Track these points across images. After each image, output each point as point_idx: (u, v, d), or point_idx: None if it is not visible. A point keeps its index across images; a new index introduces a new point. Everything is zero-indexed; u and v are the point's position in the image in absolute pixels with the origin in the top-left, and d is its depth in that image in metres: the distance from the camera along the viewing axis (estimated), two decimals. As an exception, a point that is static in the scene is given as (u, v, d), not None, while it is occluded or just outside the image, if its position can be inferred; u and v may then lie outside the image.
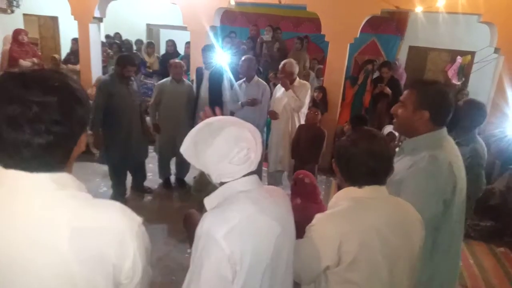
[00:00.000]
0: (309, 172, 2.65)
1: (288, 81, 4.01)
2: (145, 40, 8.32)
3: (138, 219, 0.91)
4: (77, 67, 6.81)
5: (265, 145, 4.51)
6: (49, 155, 0.79)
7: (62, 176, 0.84)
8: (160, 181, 4.62)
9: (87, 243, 0.80)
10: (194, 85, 4.46)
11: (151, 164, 4.73)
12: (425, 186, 1.55)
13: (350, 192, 1.35)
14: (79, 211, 0.82)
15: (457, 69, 6.99)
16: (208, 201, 1.17)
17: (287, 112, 4.14)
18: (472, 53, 7.01)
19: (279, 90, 4.23)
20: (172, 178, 4.68)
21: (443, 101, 1.62)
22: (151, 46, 7.58)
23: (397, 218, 1.32)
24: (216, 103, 4.25)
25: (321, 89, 5.25)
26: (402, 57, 7.77)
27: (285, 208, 1.24)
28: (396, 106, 1.72)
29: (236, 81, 4.39)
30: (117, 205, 0.89)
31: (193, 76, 4.90)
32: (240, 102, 4.21)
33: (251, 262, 1.06)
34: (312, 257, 1.29)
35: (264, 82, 4.42)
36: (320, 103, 5.04)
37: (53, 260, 0.78)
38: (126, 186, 4.19)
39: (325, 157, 4.23)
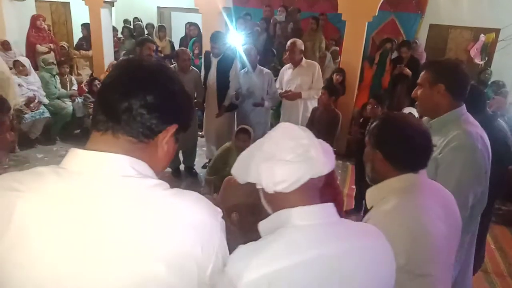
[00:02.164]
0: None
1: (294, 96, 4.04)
2: (156, 24, 8.20)
3: (220, 211, 0.81)
4: (90, 52, 6.78)
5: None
6: (134, 121, 0.76)
7: (140, 163, 0.77)
8: (170, 170, 4.57)
9: (175, 245, 0.71)
10: (203, 71, 4.35)
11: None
12: (471, 161, 1.61)
13: (406, 180, 1.25)
14: (166, 204, 0.73)
15: (480, 48, 6.70)
16: (262, 226, 0.95)
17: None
18: (497, 31, 6.70)
19: (286, 73, 4.18)
20: (181, 167, 4.63)
21: (455, 72, 1.71)
22: (163, 30, 7.46)
23: (446, 199, 1.31)
24: (224, 92, 4.20)
25: (341, 71, 5.09)
26: (422, 36, 7.46)
27: (361, 255, 0.88)
28: (415, 89, 1.79)
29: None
30: (201, 198, 0.80)
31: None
32: (233, 94, 4.16)
33: None
34: None
35: (268, 70, 4.35)
36: (339, 86, 4.89)
37: (139, 266, 0.68)
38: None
39: (340, 141, 4.11)
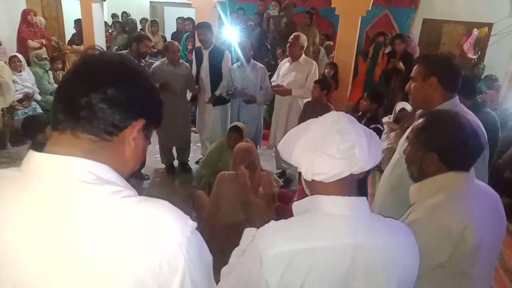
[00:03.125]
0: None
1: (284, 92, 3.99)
2: (149, 19, 8.13)
3: (191, 223, 0.72)
4: (81, 47, 6.70)
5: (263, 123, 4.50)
6: (94, 116, 0.71)
7: (102, 167, 0.72)
8: (164, 166, 4.54)
9: (130, 258, 0.65)
10: (194, 67, 4.31)
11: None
12: None
13: (454, 177, 1.24)
14: (123, 215, 0.67)
15: (473, 42, 6.72)
16: (295, 206, 0.98)
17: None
18: (489, 25, 6.73)
19: (284, 66, 4.15)
20: (175, 163, 4.59)
21: (447, 65, 1.73)
22: (155, 25, 7.40)
23: (492, 198, 1.31)
24: (217, 82, 4.16)
25: (333, 65, 5.07)
26: (415, 30, 7.47)
27: (389, 257, 0.90)
28: (409, 83, 1.82)
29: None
30: (168, 207, 0.72)
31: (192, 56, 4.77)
32: (231, 90, 4.11)
33: None
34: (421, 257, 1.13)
35: (261, 65, 4.32)
36: (331, 80, 4.88)
37: (88, 276, 0.64)
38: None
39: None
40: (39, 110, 5.12)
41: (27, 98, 4.85)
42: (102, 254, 0.64)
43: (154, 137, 4.60)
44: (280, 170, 4.39)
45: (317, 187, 0.93)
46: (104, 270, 0.64)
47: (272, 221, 0.93)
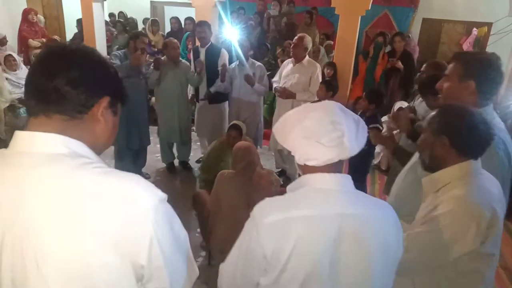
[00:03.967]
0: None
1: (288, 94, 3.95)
2: (149, 18, 8.15)
3: (161, 194, 0.78)
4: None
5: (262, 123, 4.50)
6: (63, 98, 0.79)
7: (76, 143, 0.80)
8: (164, 165, 4.55)
9: (104, 223, 0.71)
10: (192, 66, 4.32)
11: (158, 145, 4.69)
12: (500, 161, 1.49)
13: (467, 166, 1.29)
14: (95, 182, 0.74)
15: (472, 41, 6.74)
16: (289, 186, 1.08)
17: (294, 90, 4.01)
18: (489, 24, 6.74)
19: (287, 67, 4.12)
20: (176, 162, 4.61)
21: (488, 69, 1.53)
22: (156, 24, 7.42)
23: (497, 182, 1.36)
24: (213, 80, 4.15)
25: (332, 65, 5.09)
26: (415, 29, 7.49)
27: (371, 223, 0.99)
28: (441, 81, 1.65)
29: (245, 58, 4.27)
30: (139, 178, 0.79)
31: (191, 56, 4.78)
32: (224, 86, 4.11)
33: (287, 264, 0.96)
34: (450, 245, 1.22)
35: (260, 64, 4.31)
36: (331, 80, 4.89)
37: (68, 238, 0.71)
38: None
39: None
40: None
41: (21, 102, 4.87)
42: (76, 213, 0.71)
43: (155, 137, 4.62)
44: (280, 169, 4.41)
45: (308, 169, 1.03)
46: (74, 225, 0.71)
47: (267, 198, 1.02)
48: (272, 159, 4.60)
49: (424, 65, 3.11)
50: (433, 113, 1.37)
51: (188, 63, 4.32)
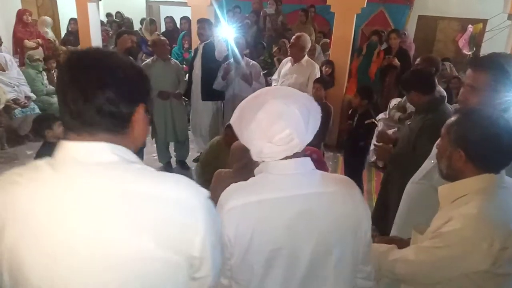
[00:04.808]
0: (315, 148, 2.57)
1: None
2: (145, 18, 8.13)
3: (205, 192, 0.86)
4: (78, 48, 6.69)
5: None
6: (105, 115, 0.78)
7: (121, 149, 0.81)
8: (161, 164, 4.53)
9: (160, 220, 0.77)
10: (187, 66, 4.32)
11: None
12: None
13: (488, 180, 1.20)
14: (148, 185, 0.78)
15: (468, 38, 6.75)
16: (256, 170, 1.11)
17: (292, 90, 4.02)
18: (484, 21, 6.76)
19: (285, 66, 4.11)
20: (173, 161, 4.59)
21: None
22: (153, 24, 7.40)
23: None
24: (208, 79, 4.11)
25: (330, 63, 5.10)
26: (411, 27, 7.51)
27: (326, 200, 1.05)
28: (464, 92, 1.54)
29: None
30: (184, 178, 0.85)
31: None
32: (220, 76, 4.03)
33: (249, 248, 1.01)
34: (457, 264, 1.17)
35: (255, 62, 4.30)
36: (329, 78, 4.90)
37: (128, 239, 0.75)
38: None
39: (332, 133, 4.13)
40: (37, 111, 5.13)
41: (16, 103, 4.86)
42: (136, 216, 0.75)
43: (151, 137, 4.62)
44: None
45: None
46: (135, 227, 0.75)
47: (233, 184, 1.07)
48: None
49: (418, 60, 3.12)
50: (453, 118, 1.27)
51: (179, 64, 4.30)
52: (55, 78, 5.62)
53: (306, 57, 3.99)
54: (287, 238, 1.02)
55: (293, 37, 3.94)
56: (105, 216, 0.75)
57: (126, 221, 0.75)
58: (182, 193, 0.81)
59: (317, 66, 4.03)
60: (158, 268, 0.77)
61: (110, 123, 0.79)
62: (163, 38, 4.14)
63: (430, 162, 1.76)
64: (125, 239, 0.74)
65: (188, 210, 0.80)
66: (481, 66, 1.51)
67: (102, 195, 0.75)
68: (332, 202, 1.06)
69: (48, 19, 7.20)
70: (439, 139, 1.33)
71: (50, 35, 7.01)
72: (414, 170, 1.91)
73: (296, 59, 3.94)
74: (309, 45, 3.98)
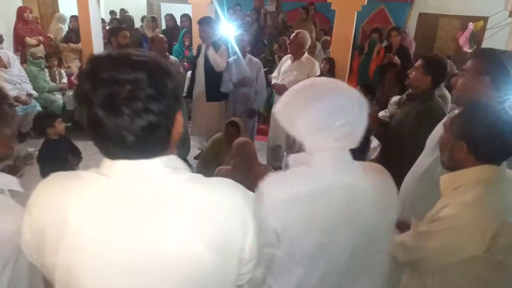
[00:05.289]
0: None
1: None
2: (146, 15, 8.14)
3: (252, 194, 0.88)
4: (79, 45, 6.69)
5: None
6: (152, 137, 0.74)
7: (171, 159, 0.80)
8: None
9: (213, 226, 0.78)
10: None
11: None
12: None
13: (488, 171, 1.23)
14: (199, 194, 0.79)
15: (468, 36, 6.75)
16: (292, 159, 1.08)
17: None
18: (485, 19, 6.76)
19: (285, 63, 4.11)
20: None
21: (507, 66, 1.51)
22: (155, 21, 7.40)
23: None
24: (212, 79, 4.11)
25: (329, 60, 5.10)
26: (411, 24, 7.51)
27: (369, 189, 1.05)
28: (456, 77, 1.67)
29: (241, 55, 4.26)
30: (231, 182, 0.87)
31: (195, 52, 4.76)
32: (232, 83, 4.09)
33: (297, 239, 1.00)
34: (451, 249, 1.22)
35: (257, 60, 4.30)
36: (327, 75, 4.90)
37: (183, 248, 0.76)
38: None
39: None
40: (39, 108, 5.14)
41: (17, 100, 4.88)
42: (189, 226, 0.76)
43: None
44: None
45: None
46: (189, 235, 0.76)
47: (271, 174, 1.05)
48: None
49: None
50: (456, 112, 1.31)
51: (177, 59, 4.28)
52: (57, 76, 5.63)
53: (306, 54, 3.99)
54: (333, 229, 1.02)
55: (292, 34, 3.94)
56: (161, 227, 0.75)
57: (181, 229, 0.75)
58: (234, 198, 0.83)
59: (317, 63, 4.03)
60: (211, 273, 0.78)
61: (156, 141, 0.76)
62: (161, 35, 4.13)
63: (429, 156, 1.77)
64: (180, 247, 0.75)
65: (238, 215, 0.82)
66: (475, 54, 1.66)
67: (156, 207, 0.75)
68: (375, 192, 1.06)
69: (63, 14, 7.18)
70: (443, 131, 1.37)
71: (64, 31, 7.01)
72: (408, 160, 1.93)
73: (296, 56, 3.94)
74: (308, 42, 3.97)
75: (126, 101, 0.69)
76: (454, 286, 1.28)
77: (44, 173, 2.84)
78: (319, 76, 3.93)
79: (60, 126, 2.82)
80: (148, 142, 0.74)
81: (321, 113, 0.96)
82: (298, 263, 1.04)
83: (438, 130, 1.66)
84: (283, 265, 1.05)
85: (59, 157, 2.78)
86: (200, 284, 0.78)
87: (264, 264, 1.05)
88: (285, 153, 4.42)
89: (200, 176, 0.84)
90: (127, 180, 0.76)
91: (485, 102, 1.36)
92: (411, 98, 2.51)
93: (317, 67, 4.00)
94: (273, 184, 1.02)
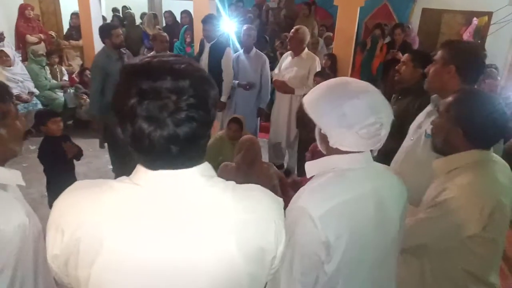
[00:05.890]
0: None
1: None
2: (147, 12, 8.10)
3: (281, 200, 0.88)
4: (80, 42, 6.68)
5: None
6: (194, 146, 0.74)
7: (205, 168, 0.79)
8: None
9: (250, 236, 0.78)
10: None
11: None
12: None
13: (480, 155, 1.32)
14: (236, 203, 0.78)
15: (472, 31, 6.68)
16: (310, 166, 1.09)
17: (292, 84, 3.98)
18: (489, 14, 6.68)
19: (286, 59, 4.09)
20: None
21: (469, 55, 1.70)
22: (157, 18, 7.37)
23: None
24: (216, 77, 4.08)
25: (330, 56, 5.06)
26: (415, 20, 7.44)
27: (390, 191, 1.10)
28: (429, 66, 1.81)
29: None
30: (261, 189, 0.87)
31: (197, 48, 4.72)
32: (237, 83, 4.09)
33: (347, 247, 1.00)
34: (453, 231, 1.29)
35: (263, 54, 4.27)
36: (328, 71, 4.86)
37: (221, 258, 0.75)
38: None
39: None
40: (40, 106, 5.14)
41: (19, 99, 4.87)
42: (228, 235, 0.75)
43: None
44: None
45: (335, 149, 1.05)
46: (226, 244, 0.75)
47: (302, 188, 1.05)
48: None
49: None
50: (451, 98, 1.37)
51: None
52: (58, 73, 5.62)
53: (306, 50, 3.97)
54: (370, 235, 1.04)
55: (292, 30, 3.92)
56: (200, 236, 0.74)
57: (219, 239, 0.75)
58: (265, 207, 0.83)
59: (317, 59, 4.01)
60: (245, 282, 0.78)
61: (197, 151, 0.76)
62: (164, 34, 4.10)
63: (409, 140, 1.90)
64: (219, 256, 0.74)
65: (274, 224, 0.82)
66: (443, 45, 1.79)
67: (195, 217, 0.74)
68: (395, 192, 1.11)
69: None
70: (437, 117, 1.45)
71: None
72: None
73: (296, 53, 3.93)
74: (308, 38, 3.95)
75: (171, 112, 0.68)
76: (452, 266, 1.36)
77: (47, 171, 2.82)
78: (320, 72, 3.90)
79: (54, 126, 2.79)
80: (191, 152, 0.74)
81: (356, 109, 0.98)
82: (347, 273, 1.04)
83: (419, 118, 1.88)
84: (331, 280, 1.04)
85: (58, 155, 2.76)
86: None
87: None
88: (286, 151, 4.40)
89: (233, 183, 0.83)
90: (164, 190, 0.74)
91: (478, 90, 1.48)
92: (404, 93, 2.55)
93: (318, 63, 3.98)
94: (312, 198, 1.01)
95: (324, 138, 1.06)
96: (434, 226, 1.32)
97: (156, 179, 0.74)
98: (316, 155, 2.48)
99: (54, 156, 2.75)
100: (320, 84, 1.09)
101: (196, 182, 0.76)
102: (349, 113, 0.98)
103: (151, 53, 4.29)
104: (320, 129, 1.06)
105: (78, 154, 2.92)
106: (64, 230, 0.74)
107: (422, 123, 1.85)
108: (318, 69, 3.95)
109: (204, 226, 0.74)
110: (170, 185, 0.74)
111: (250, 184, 0.87)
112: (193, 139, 0.72)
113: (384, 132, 1.02)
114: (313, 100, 1.06)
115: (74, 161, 2.98)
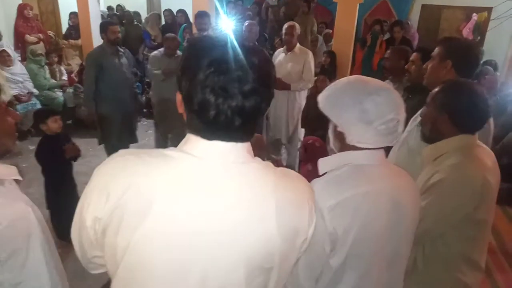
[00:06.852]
0: (317, 137, 2.60)
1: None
2: (146, 11, 8.09)
3: (311, 185, 0.92)
4: (79, 41, 6.67)
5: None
6: (253, 122, 0.78)
7: (250, 146, 0.82)
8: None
9: (288, 217, 0.80)
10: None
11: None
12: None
13: (465, 139, 1.39)
14: (277, 182, 0.80)
15: (472, 27, 6.67)
16: (324, 163, 1.10)
17: (288, 80, 3.96)
18: (489, 9, 6.67)
19: (278, 56, 4.08)
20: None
21: (465, 51, 1.78)
22: (157, 17, 7.36)
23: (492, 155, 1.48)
24: None
25: (330, 53, 5.05)
26: (414, 16, 7.42)
27: (407, 193, 1.10)
28: (428, 62, 1.87)
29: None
30: (297, 174, 0.89)
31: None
32: None
33: (355, 241, 1.00)
34: (449, 212, 1.34)
35: (263, 50, 4.24)
36: (328, 68, 4.86)
37: (261, 236, 0.76)
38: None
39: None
40: (39, 105, 5.13)
41: (18, 99, 4.87)
42: (266, 211, 0.77)
43: (152, 132, 4.61)
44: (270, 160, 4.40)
45: (350, 146, 1.06)
46: (265, 220, 0.77)
47: (314, 181, 1.04)
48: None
49: (388, 52, 3.06)
50: (438, 88, 1.44)
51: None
52: (57, 73, 5.61)
53: (298, 44, 3.97)
54: (385, 231, 1.04)
55: (286, 27, 3.91)
56: (241, 210, 0.75)
57: (259, 215, 0.76)
58: (301, 189, 0.85)
59: (310, 53, 3.99)
60: (277, 261, 0.79)
61: (254, 126, 0.80)
62: (177, 39, 4.15)
63: (405, 132, 1.93)
64: (257, 231, 0.76)
65: (308, 206, 0.84)
66: (439, 42, 1.86)
67: (239, 190, 0.76)
68: (413, 196, 1.11)
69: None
70: (425, 107, 1.52)
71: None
72: None
73: (290, 48, 3.93)
74: (298, 32, 3.97)
75: (241, 84, 0.71)
76: (445, 250, 1.40)
77: (44, 171, 2.82)
78: (320, 69, 3.89)
79: (54, 124, 2.78)
80: (250, 126, 0.78)
81: (376, 105, 0.99)
82: (354, 269, 1.03)
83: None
84: (336, 274, 1.03)
85: (56, 154, 2.75)
86: (267, 270, 0.79)
87: (313, 278, 1.04)
88: (284, 146, 4.40)
89: (271, 164, 0.85)
90: (215, 161, 0.76)
91: (462, 80, 1.55)
92: (413, 92, 2.52)
93: (311, 57, 3.95)
94: (322, 191, 1.01)
95: (339, 136, 1.06)
96: (430, 211, 1.35)
97: (207, 150, 0.76)
98: (309, 150, 2.50)
99: (52, 155, 2.73)
100: (337, 81, 1.09)
101: (243, 158, 0.78)
102: (370, 109, 0.99)
103: (157, 50, 4.29)
104: (336, 127, 1.06)
105: (76, 155, 2.91)
106: (110, 194, 0.73)
107: (418, 115, 1.88)
108: (312, 63, 3.95)
109: (251, 204, 0.76)
110: (220, 157, 0.76)
111: (288, 170, 0.89)
112: (256, 113, 0.75)
113: (401, 129, 1.03)
114: (332, 97, 1.06)
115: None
